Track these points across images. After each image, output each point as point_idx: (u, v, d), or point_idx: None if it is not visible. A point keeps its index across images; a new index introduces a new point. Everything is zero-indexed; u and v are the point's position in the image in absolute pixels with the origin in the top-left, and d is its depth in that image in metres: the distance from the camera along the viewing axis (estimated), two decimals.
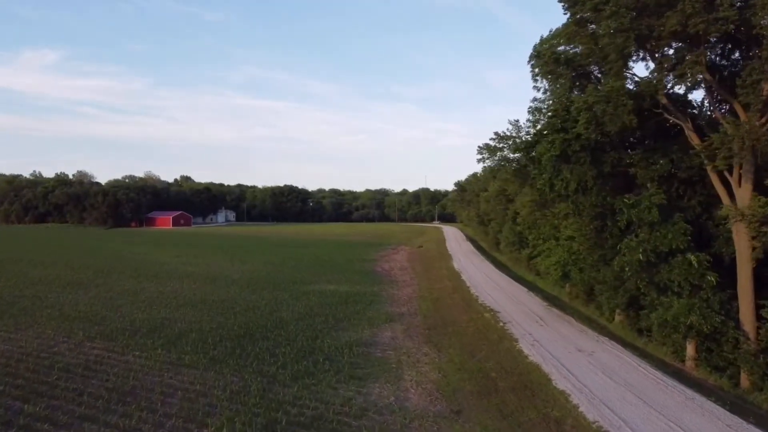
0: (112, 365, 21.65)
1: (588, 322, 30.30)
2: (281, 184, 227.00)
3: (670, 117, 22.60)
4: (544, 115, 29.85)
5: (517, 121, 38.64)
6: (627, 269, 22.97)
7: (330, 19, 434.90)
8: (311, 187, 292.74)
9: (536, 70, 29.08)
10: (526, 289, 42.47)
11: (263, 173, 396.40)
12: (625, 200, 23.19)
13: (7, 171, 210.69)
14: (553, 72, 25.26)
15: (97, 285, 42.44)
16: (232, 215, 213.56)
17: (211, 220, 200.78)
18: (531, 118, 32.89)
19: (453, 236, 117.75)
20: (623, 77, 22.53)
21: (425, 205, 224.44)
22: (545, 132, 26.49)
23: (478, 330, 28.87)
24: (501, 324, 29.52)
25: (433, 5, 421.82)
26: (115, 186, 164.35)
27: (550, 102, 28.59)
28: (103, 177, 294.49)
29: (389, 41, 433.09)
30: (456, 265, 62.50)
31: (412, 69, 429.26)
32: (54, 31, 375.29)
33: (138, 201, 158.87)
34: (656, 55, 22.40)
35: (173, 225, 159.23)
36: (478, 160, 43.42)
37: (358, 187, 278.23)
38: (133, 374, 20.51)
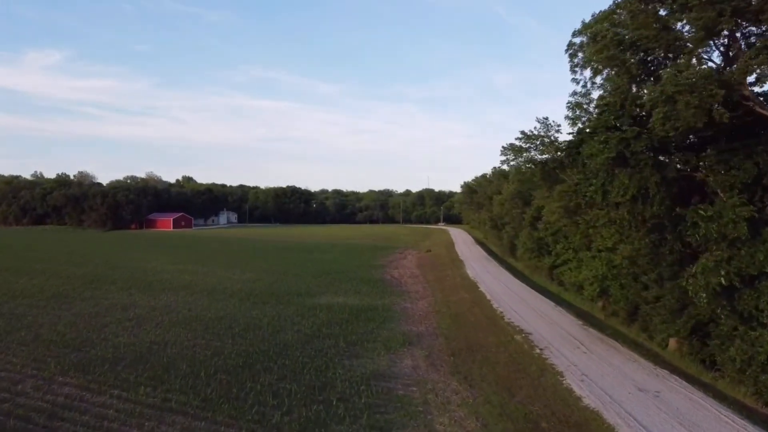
0: (82, 411, 17.99)
1: (636, 347, 26.52)
2: (284, 185, 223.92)
3: (764, 110, 18.75)
4: (587, 110, 26.11)
5: (546, 118, 34.89)
6: (703, 295, 19.18)
7: (333, 20, 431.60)
8: (314, 187, 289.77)
9: (576, 58, 25.40)
10: (553, 304, 38.69)
11: (266, 174, 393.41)
12: (701, 211, 19.40)
13: (11, 171, 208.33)
14: (614, 58, 21.42)
15: (84, 298, 38.83)
16: (234, 217, 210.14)
17: (213, 221, 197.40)
18: (570, 114, 29.05)
19: (461, 239, 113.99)
20: (702, 63, 18.86)
21: (430, 207, 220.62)
22: (594, 130, 22.72)
23: (511, 358, 25.13)
24: (537, 350, 25.77)
25: (437, 6, 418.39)
26: (115, 187, 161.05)
27: (599, 94, 24.84)
28: (105, 177, 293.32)
29: (393, 42, 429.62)
30: (470, 272, 58.75)
31: (415, 69, 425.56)
32: (57, 31, 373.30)
33: (138, 202, 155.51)
34: (743, 35, 18.75)
35: (174, 227, 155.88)
36: (502, 162, 39.59)
37: (362, 188, 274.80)
38: (107, 424, 16.87)
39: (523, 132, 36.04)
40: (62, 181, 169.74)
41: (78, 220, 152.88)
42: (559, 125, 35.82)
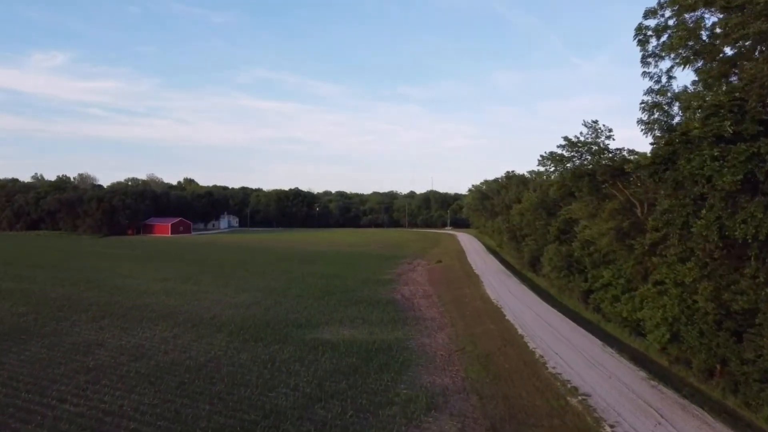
0: None
1: (733, 421, 20.44)
2: (287, 187, 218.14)
3: None
4: (668, 112, 20.10)
5: (596, 122, 28.99)
6: None
7: (337, 21, 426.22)
8: (318, 189, 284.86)
9: (649, 45, 19.37)
10: (600, 343, 32.53)
11: (270, 175, 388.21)
12: None
13: (15, 172, 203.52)
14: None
15: (44, 335, 32.97)
16: (235, 221, 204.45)
17: (213, 226, 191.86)
18: (645, 117, 22.97)
19: (472, 247, 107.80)
20: None
21: (436, 210, 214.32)
22: (697, 139, 16.70)
23: None
24: (608, 429, 19.69)
25: (440, 6, 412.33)
26: (111, 192, 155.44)
27: (695, 91, 18.81)
28: (108, 179, 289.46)
29: (396, 42, 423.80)
30: (489, 291, 52.71)
31: (418, 70, 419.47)
32: (62, 33, 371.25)
33: (135, 207, 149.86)
34: None
35: (172, 233, 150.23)
36: (541, 173, 33.72)
37: (366, 189, 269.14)
38: None
39: (567, 138, 30.15)
40: (57, 184, 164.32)
41: (73, 225, 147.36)
42: (610, 130, 29.92)
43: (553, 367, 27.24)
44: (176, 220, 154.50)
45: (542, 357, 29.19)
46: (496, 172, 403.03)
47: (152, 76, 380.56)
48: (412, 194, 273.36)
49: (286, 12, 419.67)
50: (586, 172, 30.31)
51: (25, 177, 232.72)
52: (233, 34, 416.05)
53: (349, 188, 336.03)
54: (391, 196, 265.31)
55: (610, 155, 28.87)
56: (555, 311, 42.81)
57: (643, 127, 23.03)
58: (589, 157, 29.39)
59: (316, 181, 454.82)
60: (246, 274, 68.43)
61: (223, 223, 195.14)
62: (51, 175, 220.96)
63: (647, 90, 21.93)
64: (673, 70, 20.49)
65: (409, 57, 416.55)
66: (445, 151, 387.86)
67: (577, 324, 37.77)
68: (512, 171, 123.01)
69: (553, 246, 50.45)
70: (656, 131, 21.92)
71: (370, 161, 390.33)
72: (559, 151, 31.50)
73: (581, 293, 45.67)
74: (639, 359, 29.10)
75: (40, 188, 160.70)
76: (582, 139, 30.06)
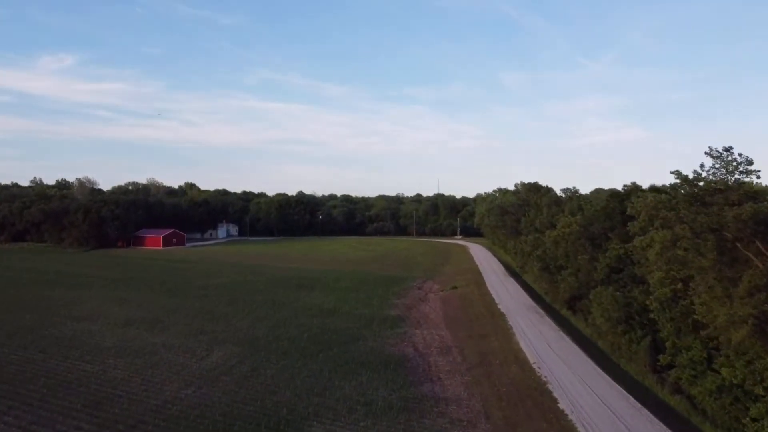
0: None
1: None
2: (292, 190, 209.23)
3: None
4: None
5: (729, 150, 18.62)
6: None
7: (343, 22, 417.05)
8: (323, 191, 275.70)
9: None
10: None
11: (275, 176, 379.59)
12: None
13: (19, 175, 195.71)
14: None
15: None
16: (234, 229, 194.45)
17: (211, 235, 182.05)
18: None
19: (489, 265, 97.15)
20: None
21: (444, 217, 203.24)
22: None
23: None
24: None
25: (446, 8, 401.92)
26: (101, 201, 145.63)
27: None
28: (111, 182, 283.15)
29: (402, 43, 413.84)
30: (524, 345, 42.37)
31: (425, 71, 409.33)
32: (70, 35, 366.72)
33: (125, 218, 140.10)
34: None
35: (164, 245, 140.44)
36: (645, 227, 23.29)
37: (372, 192, 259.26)
38: None
39: (680, 175, 19.61)
40: (43, 193, 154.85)
41: (58, 238, 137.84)
42: (750, 162, 19.52)
43: None
44: (169, 231, 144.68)
45: None
46: (504, 176, 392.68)
47: (159, 77, 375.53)
48: (419, 198, 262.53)
49: (293, 13, 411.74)
50: (711, 226, 19.92)
51: (28, 180, 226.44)
52: (240, 36, 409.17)
53: (355, 190, 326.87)
54: (398, 200, 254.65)
55: (754, 201, 18.54)
56: (620, 389, 32.19)
57: None
58: (720, 202, 19.05)
59: (321, 184, 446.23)
60: (229, 309, 58.22)
61: (222, 232, 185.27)
62: (54, 178, 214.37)
63: None
64: None
65: (416, 58, 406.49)
66: (452, 152, 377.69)
67: (662, 422, 27.13)
68: (533, 182, 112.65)
69: (607, 291, 39.82)
70: None
71: (377, 163, 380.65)
72: (671, 195, 21.12)
73: (652, 361, 35.09)
74: None
75: (25, 197, 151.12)
76: (706, 174, 19.86)
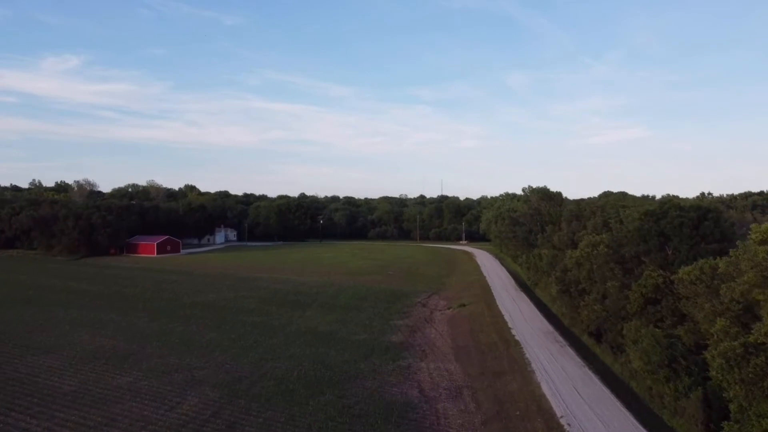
0: None
1: None
2: (293, 193, 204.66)
3: None
4: None
5: None
6: None
7: (347, 23, 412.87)
8: (326, 192, 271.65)
9: None
10: None
11: (278, 177, 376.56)
12: None
13: (23, 176, 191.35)
14: None
15: None
16: (233, 234, 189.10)
17: (209, 240, 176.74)
18: None
19: (498, 278, 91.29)
20: None
21: (449, 221, 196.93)
22: None
23: None
24: None
25: (450, 7, 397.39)
26: (94, 207, 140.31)
27: None
28: (113, 184, 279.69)
29: (406, 44, 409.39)
30: (546, 389, 36.47)
31: (428, 71, 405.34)
32: (75, 36, 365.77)
33: (117, 225, 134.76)
34: None
35: (158, 252, 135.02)
36: None
37: (375, 193, 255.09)
38: None
39: None
40: (33, 199, 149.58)
41: (47, 245, 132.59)
42: None
43: None
44: (163, 238, 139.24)
45: None
46: (509, 176, 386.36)
47: (163, 78, 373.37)
48: (422, 199, 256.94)
49: (297, 14, 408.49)
50: None
51: (28, 182, 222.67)
52: (244, 37, 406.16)
53: (358, 191, 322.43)
54: (401, 203, 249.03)
55: None
56: None
57: None
58: None
59: (324, 185, 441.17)
60: (213, 336, 52.54)
61: (220, 237, 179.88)
62: (54, 180, 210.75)
63: None
64: None
65: (420, 58, 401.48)
66: (456, 152, 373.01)
67: None
68: (542, 186, 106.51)
69: (647, 331, 33.91)
70: None
71: (380, 163, 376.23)
72: None
73: (701, 414, 29.19)
74: None
75: (15, 203, 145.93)
76: None
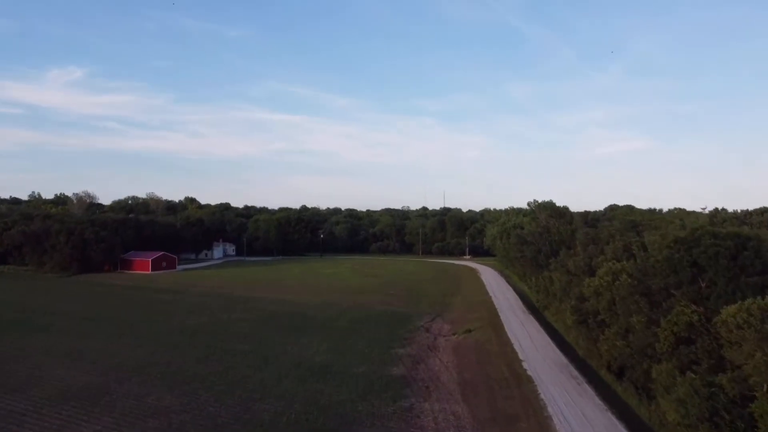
0: None
1: None
2: (294, 205, 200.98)
3: None
4: None
5: None
6: None
7: (349, 34, 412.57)
8: (328, 204, 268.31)
9: None
10: None
11: (279, 189, 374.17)
12: None
13: (25, 188, 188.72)
14: None
15: None
16: (231, 248, 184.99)
17: (206, 255, 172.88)
18: None
19: (505, 300, 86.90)
20: None
21: (452, 235, 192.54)
22: None
23: None
24: None
25: (453, 19, 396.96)
26: (88, 221, 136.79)
27: None
28: (113, 196, 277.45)
29: (409, 55, 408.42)
30: None
31: (431, 82, 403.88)
32: (79, 48, 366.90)
33: (111, 241, 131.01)
34: None
35: (153, 269, 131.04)
36: None
37: (376, 204, 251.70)
38: None
39: None
40: (26, 213, 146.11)
41: (39, 261, 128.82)
42: None
43: None
44: (158, 254, 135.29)
45: None
46: (511, 188, 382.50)
47: (167, 90, 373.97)
48: (425, 211, 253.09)
49: (300, 25, 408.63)
50: None
51: (27, 194, 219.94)
52: (247, 48, 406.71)
53: (360, 203, 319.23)
54: (403, 215, 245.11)
55: None
56: None
57: None
58: None
59: (325, 196, 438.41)
60: (199, 369, 48.36)
61: (218, 252, 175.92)
62: (55, 192, 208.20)
63: None
64: None
65: (422, 69, 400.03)
66: (458, 163, 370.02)
67: None
68: (548, 201, 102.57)
69: (682, 378, 29.71)
70: None
71: (382, 174, 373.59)
72: None
73: None
74: None
75: (8, 217, 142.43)
76: None
